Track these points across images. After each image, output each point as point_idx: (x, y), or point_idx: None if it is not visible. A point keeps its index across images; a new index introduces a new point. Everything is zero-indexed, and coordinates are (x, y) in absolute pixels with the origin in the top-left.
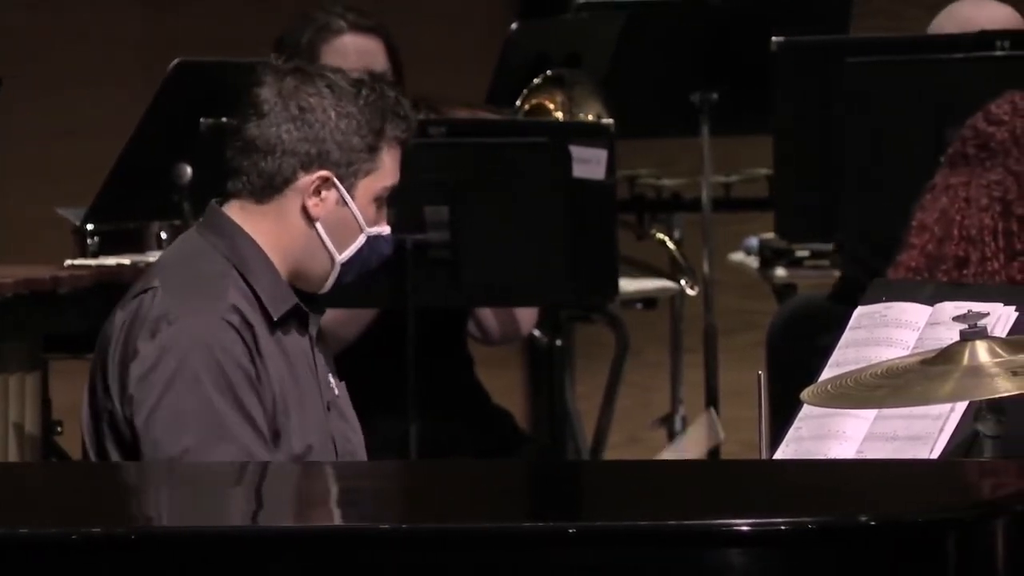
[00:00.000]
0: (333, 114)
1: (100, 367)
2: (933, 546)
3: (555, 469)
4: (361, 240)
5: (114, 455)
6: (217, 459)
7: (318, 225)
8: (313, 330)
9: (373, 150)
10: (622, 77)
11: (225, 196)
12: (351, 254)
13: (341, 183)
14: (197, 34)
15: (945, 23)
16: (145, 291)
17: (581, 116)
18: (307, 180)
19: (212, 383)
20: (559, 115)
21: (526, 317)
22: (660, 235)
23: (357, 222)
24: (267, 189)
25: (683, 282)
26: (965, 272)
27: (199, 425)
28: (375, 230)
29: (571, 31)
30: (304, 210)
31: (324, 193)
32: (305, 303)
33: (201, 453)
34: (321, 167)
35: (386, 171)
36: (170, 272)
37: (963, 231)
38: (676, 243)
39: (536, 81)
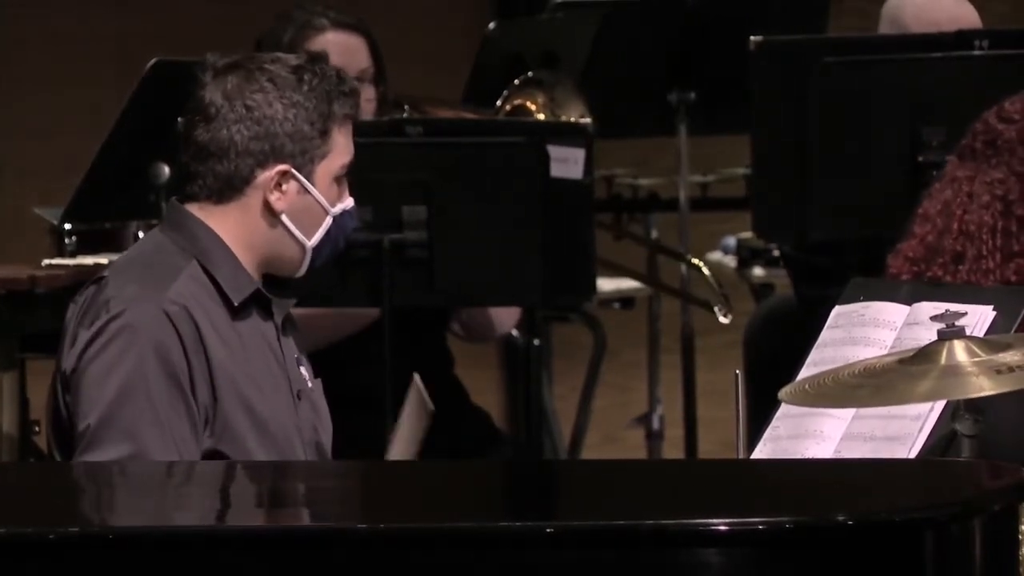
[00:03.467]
0: (280, 107)
1: (58, 362)
2: (911, 546)
3: (532, 469)
4: (328, 222)
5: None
6: (109, 449)
7: (283, 217)
8: (278, 318)
9: (325, 133)
10: (598, 77)
11: (184, 197)
12: (320, 237)
13: (300, 172)
14: (173, 34)
15: (911, 23)
16: (93, 283)
17: (563, 117)
18: (266, 176)
19: (130, 372)
20: (541, 116)
21: (506, 315)
22: (696, 261)
23: (321, 206)
24: (226, 191)
25: (716, 309)
26: (960, 268)
27: (104, 409)
28: (339, 208)
29: (547, 31)
30: (267, 205)
31: (285, 186)
32: (272, 290)
33: (99, 437)
34: (278, 161)
35: (340, 149)
36: (123, 266)
37: (963, 226)
38: (694, 263)
39: (516, 82)
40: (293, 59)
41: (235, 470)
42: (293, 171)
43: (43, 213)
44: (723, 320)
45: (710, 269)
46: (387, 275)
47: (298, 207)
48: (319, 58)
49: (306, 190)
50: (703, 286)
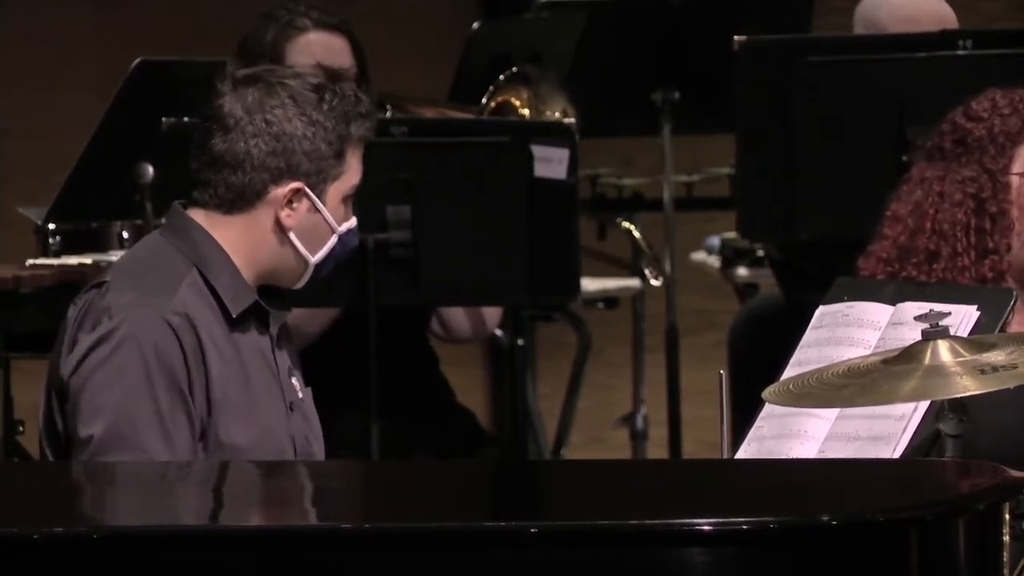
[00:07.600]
0: (300, 124)
1: (54, 364)
2: (895, 545)
3: (517, 469)
4: (333, 240)
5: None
6: (117, 456)
7: (291, 234)
8: (274, 330)
9: (340, 154)
10: (583, 76)
11: (189, 201)
12: (324, 254)
13: (312, 191)
14: (151, 32)
15: (887, 21)
16: (95, 287)
17: (547, 113)
18: (279, 193)
19: (134, 381)
20: (525, 112)
21: (491, 314)
22: (625, 224)
23: (329, 225)
24: (237, 202)
25: (647, 272)
26: (935, 266)
27: (110, 418)
28: (344, 227)
29: (533, 30)
30: (276, 221)
31: (296, 203)
32: (269, 301)
33: (105, 446)
34: (292, 179)
35: (353, 171)
36: (124, 270)
37: (936, 225)
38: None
39: (501, 78)
40: (313, 76)
41: (225, 470)
42: (306, 189)
43: (27, 213)
44: (654, 283)
45: (695, 269)
46: (372, 275)
47: (306, 224)
48: (339, 76)
49: (316, 209)
50: (687, 284)
